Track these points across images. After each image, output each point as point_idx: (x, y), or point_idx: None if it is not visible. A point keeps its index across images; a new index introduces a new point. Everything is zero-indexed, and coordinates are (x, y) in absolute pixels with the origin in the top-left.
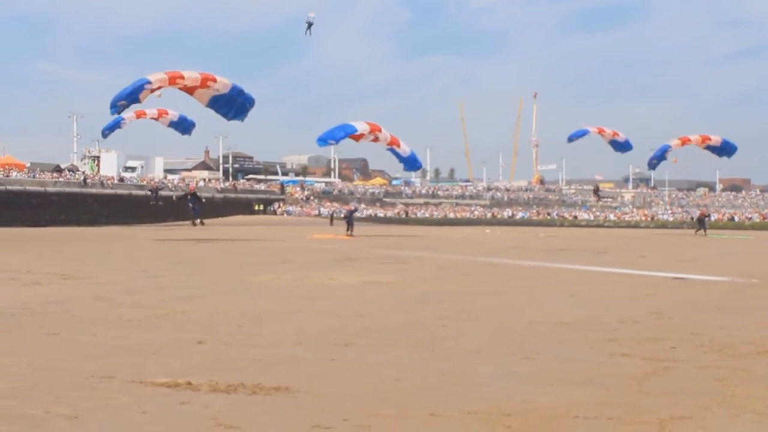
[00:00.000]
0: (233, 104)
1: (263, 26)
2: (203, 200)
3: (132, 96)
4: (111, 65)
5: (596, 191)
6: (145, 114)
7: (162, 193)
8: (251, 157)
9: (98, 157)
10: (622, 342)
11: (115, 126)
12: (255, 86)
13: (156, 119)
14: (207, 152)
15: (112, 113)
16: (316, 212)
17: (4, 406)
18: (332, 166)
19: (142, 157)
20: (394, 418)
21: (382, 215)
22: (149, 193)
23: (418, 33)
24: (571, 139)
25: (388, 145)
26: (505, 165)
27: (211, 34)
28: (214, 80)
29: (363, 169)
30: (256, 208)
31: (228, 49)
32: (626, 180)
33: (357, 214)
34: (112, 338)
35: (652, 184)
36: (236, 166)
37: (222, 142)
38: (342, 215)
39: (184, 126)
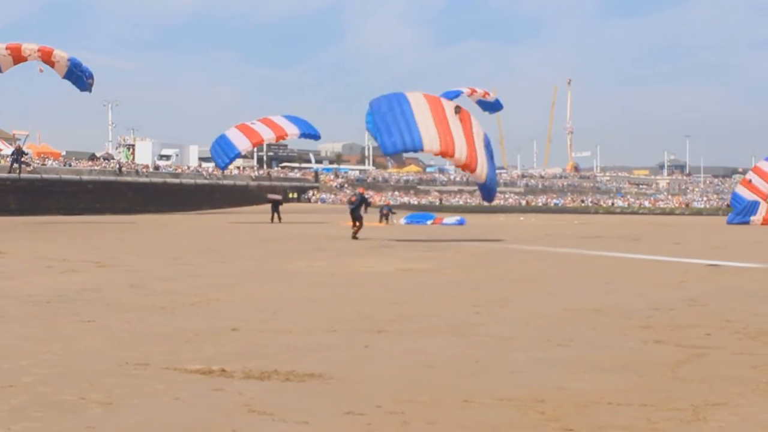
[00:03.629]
0: None
1: (300, 13)
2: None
3: None
4: (148, 53)
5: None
6: (262, 141)
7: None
8: (285, 145)
9: (133, 145)
10: (657, 329)
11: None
12: (291, 73)
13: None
14: None
15: None
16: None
17: (40, 393)
18: (366, 153)
19: (177, 145)
20: (428, 405)
21: (416, 203)
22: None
23: (453, 19)
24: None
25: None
26: (540, 152)
27: (249, 20)
28: None
29: (397, 157)
30: (291, 196)
31: (265, 35)
32: (661, 167)
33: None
34: (146, 325)
35: (687, 171)
36: (270, 153)
37: None
38: (383, 206)
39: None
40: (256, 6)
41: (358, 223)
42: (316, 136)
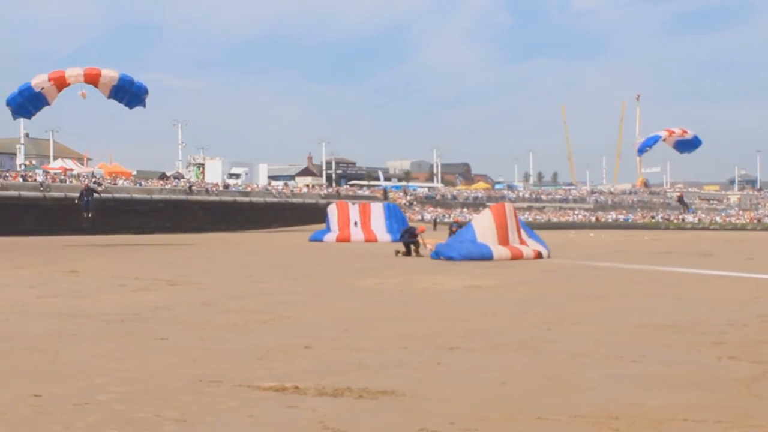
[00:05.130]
0: None
1: (365, 33)
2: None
3: None
4: (216, 73)
5: (680, 199)
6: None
7: None
8: (354, 163)
9: (203, 164)
10: (730, 345)
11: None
12: (357, 91)
13: None
14: (310, 158)
15: None
16: (419, 217)
17: (115, 410)
18: (435, 171)
19: (246, 164)
20: (501, 422)
21: None
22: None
23: (519, 37)
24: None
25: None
26: (609, 168)
27: (313, 41)
28: None
29: (465, 174)
30: None
31: (330, 55)
32: (732, 182)
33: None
34: (219, 343)
35: (758, 186)
36: (339, 171)
37: (325, 148)
38: (452, 224)
39: None
40: (321, 26)
41: (413, 246)
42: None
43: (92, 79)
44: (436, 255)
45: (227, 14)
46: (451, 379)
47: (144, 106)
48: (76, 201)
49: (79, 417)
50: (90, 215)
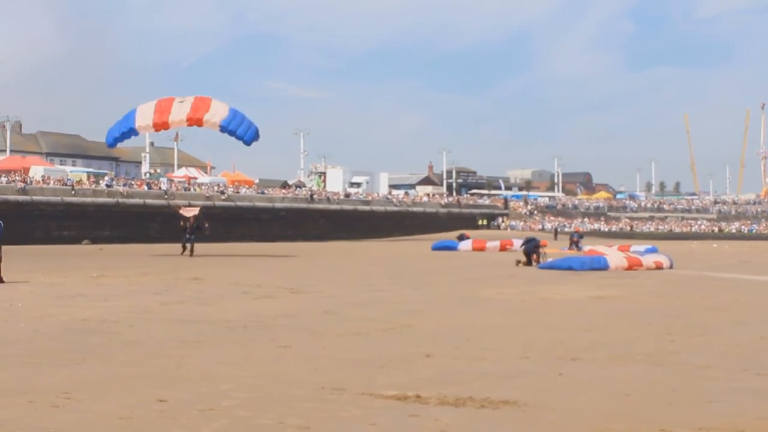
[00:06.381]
0: None
1: (488, 42)
2: None
3: None
4: (338, 83)
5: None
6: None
7: None
8: (474, 172)
9: (324, 173)
10: None
11: None
12: (478, 100)
13: None
14: (431, 167)
15: None
16: (540, 227)
17: (239, 416)
18: (556, 180)
19: (367, 172)
20: None
21: (605, 230)
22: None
23: (643, 45)
24: None
25: None
26: (732, 177)
27: (435, 51)
28: None
29: (586, 183)
30: (480, 222)
31: (451, 65)
32: None
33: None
34: (341, 351)
35: None
36: (459, 180)
37: (445, 157)
38: (573, 233)
39: None
40: (443, 36)
41: (534, 255)
42: None
43: (195, 123)
44: (548, 266)
45: (350, 25)
46: (574, 390)
47: (257, 140)
48: (183, 243)
49: (204, 422)
50: (183, 253)
